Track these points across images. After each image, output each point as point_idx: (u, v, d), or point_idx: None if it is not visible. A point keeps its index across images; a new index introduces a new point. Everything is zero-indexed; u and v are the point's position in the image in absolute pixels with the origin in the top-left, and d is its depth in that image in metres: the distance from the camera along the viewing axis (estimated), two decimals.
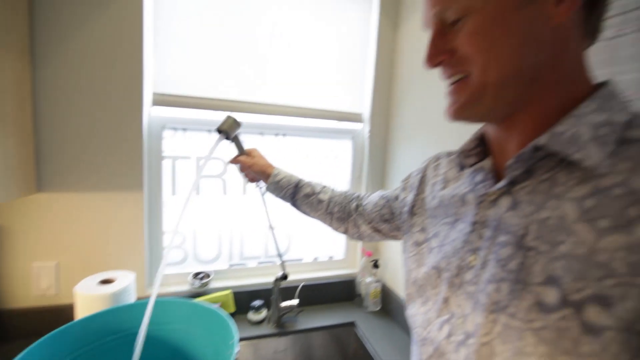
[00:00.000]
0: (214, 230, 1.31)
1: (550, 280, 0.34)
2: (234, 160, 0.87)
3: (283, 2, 1.25)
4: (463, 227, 0.46)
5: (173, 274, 1.26)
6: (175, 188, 1.22)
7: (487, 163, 0.46)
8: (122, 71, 1.05)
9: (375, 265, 1.40)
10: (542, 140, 0.36)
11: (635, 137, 0.33)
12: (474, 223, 0.44)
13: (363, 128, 1.46)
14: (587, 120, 0.35)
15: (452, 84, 0.42)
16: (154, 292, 0.62)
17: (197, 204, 1.27)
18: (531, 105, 0.39)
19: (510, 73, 0.37)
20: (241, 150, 0.87)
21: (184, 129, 1.21)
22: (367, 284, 1.39)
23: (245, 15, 1.21)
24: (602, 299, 0.30)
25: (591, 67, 0.39)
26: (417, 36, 1.27)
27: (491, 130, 0.46)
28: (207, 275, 1.24)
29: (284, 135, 1.34)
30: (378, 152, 1.46)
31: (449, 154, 0.59)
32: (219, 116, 1.21)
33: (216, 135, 0.80)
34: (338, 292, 1.45)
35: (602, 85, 0.38)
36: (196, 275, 1.23)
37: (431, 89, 1.17)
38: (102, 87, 1.04)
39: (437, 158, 0.61)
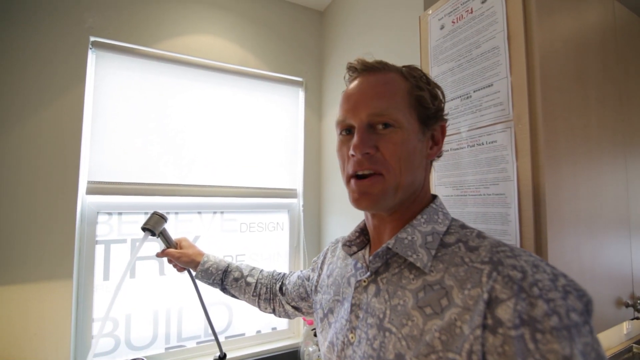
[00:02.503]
0: (149, 313, 1.28)
1: (398, 357, 0.44)
2: (162, 254, 0.89)
3: (218, 93, 1.41)
4: (346, 307, 0.55)
5: None
6: (108, 273, 1.21)
7: (366, 252, 0.58)
8: (59, 163, 1.10)
9: (316, 334, 1.43)
10: (390, 243, 0.49)
11: (449, 242, 0.47)
12: (352, 305, 0.54)
13: (298, 202, 1.58)
14: (420, 229, 0.49)
15: (366, 176, 0.48)
16: None
17: (131, 287, 1.25)
18: (402, 208, 0.51)
19: (410, 181, 0.49)
20: (169, 243, 0.90)
21: (119, 213, 1.23)
22: (310, 354, 1.41)
23: (181, 103, 1.34)
24: None
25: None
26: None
27: (371, 223, 0.57)
28: None
29: (222, 212, 1.41)
30: (313, 223, 1.58)
31: (344, 238, 0.70)
32: (156, 199, 1.27)
33: (142, 233, 0.84)
34: None
35: (434, 197, 0.54)
36: None
37: None
38: (39, 179, 1.07)
39: (336, 242, 0.72)
